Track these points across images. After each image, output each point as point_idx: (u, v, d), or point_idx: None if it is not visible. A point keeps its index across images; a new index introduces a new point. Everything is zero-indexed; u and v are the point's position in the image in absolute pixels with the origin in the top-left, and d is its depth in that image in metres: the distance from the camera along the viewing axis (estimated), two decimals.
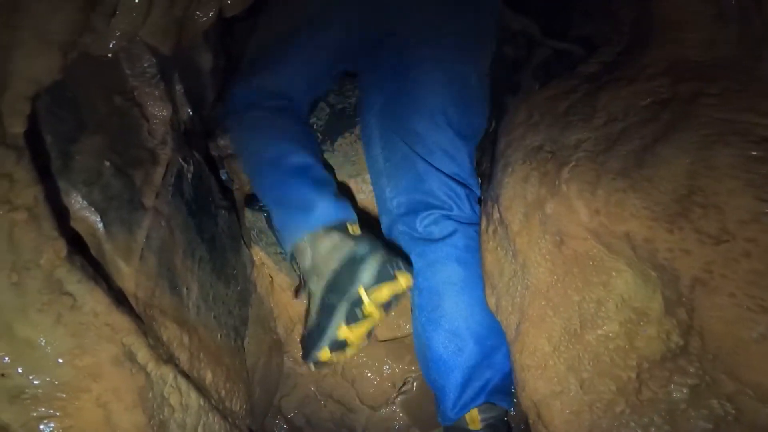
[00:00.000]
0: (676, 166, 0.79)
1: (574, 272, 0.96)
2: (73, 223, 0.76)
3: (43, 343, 0.67)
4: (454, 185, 1.16)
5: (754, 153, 0.73)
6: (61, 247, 0.69)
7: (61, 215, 0.75)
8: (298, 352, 1.30)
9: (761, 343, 0.68)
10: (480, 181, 1.28)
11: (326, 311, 1.08)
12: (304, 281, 1.16)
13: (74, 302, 0.67)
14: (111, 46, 0.94)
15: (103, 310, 0.71)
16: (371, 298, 1.03)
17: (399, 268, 1.05)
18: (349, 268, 1.05)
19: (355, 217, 1.15)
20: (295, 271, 1.24)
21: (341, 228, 1.10)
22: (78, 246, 0.76)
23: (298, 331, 1.35)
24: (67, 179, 0.79)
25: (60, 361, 0.69)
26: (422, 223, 1.15)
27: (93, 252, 0.77)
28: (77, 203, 0.80)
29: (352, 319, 1.05)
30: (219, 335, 1.06)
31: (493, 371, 1.13)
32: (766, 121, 0.77)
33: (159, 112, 1.05)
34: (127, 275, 0.81)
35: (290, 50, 1.26)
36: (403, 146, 1.17)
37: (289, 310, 1.35)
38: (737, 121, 0.78)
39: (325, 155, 1.34)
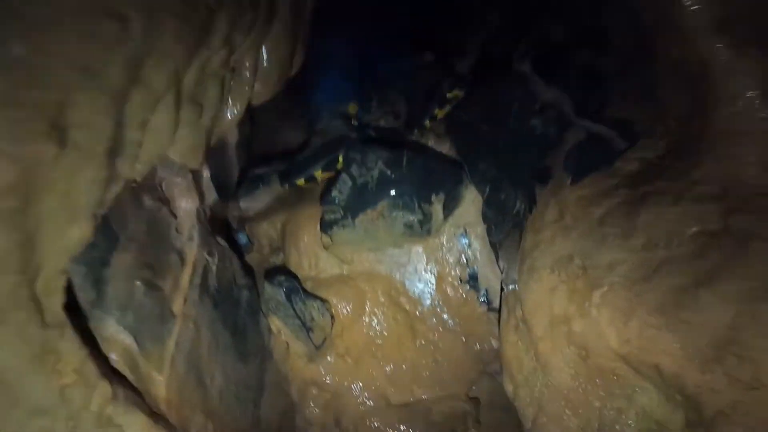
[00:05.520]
0: (719, 316, 0.80)
1: (597, 382, 0.98)
2: (109, 346, 0.78)
3: None
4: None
5: None
6: (107, 390, 0.73)
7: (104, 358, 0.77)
8: (311, 413, 1.35)
9: None
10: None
11: (315, 158, 1.70)
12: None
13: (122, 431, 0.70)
14: (140, 174, 0.87)
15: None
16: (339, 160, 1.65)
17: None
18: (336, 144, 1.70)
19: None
20: None
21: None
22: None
23: (311, 394, 1.37)
24: (102, 308, 0.80)
25: None
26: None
27: (129, 369, 0.78)
28: (112, 327, 0.81)
29: (327, 168, 1.67)
30: (238, 412, 1.09)
31: None
32: None
33: (186, 203, 1.05)
34: (160, 383, 0.85)
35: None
36: None
37: (303, 374, 1.37)
38: None
39: (346, 230, 1.38)
